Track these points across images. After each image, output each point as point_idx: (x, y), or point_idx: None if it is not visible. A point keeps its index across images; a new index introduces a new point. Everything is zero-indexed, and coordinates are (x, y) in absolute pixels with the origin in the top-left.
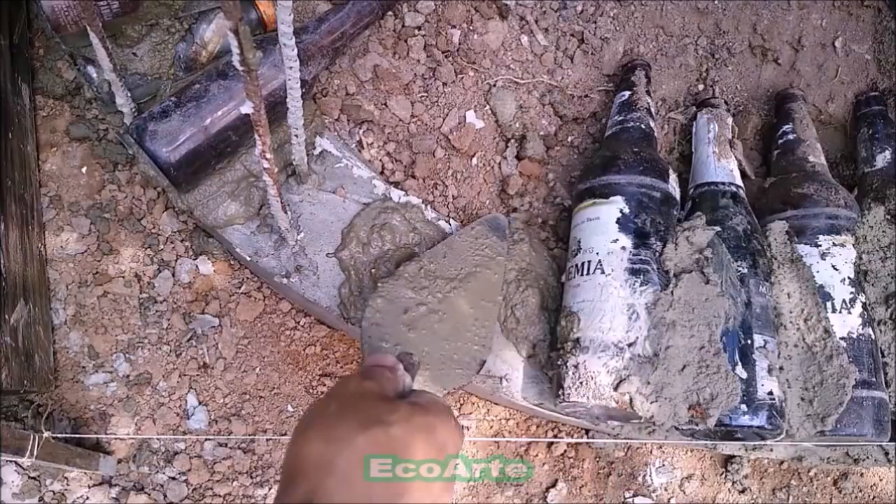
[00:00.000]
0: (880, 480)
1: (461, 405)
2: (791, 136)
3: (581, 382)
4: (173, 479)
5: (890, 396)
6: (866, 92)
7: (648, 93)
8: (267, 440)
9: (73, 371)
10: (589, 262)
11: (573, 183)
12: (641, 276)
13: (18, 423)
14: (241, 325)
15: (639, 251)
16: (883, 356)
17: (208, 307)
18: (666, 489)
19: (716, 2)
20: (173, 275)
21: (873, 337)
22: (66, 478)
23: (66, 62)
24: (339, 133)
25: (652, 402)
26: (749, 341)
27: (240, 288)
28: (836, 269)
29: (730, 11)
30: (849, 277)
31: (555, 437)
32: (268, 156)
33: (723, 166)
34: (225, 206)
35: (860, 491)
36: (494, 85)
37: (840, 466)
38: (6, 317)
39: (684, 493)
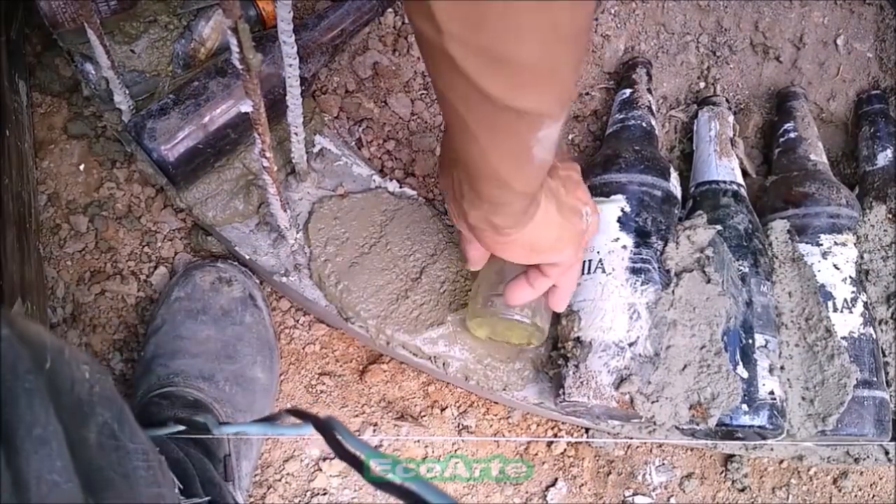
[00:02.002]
0: (880, 479)
1: (461, 406)
2: (792, 135)
3: (582, 382)
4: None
5: (891, 396)
6: (868, 90)
7: (649, 90)
8: (267, 439)
9: None
10: (590, 260)
11: None
12: (642, 275)
13: None
14: None
15: (640, 250)
16: (884, 356)
17: None
18: (666, 488)
19: None
20: (171, 273)
21: (875, 336)
22: None
23: (63, 59)
24: (338, 131)
25: (653, 402)
26: (750, 341)
27: None
28: (838, 269)
29: (731, 9)
30: (850, 276)
31: (554, 436)
32: (267, 154)
33: (724, 165)
34: (224, 203)
35: (860, 490)
36: None
37: (840, 465)
38: None
39: (684, 491)
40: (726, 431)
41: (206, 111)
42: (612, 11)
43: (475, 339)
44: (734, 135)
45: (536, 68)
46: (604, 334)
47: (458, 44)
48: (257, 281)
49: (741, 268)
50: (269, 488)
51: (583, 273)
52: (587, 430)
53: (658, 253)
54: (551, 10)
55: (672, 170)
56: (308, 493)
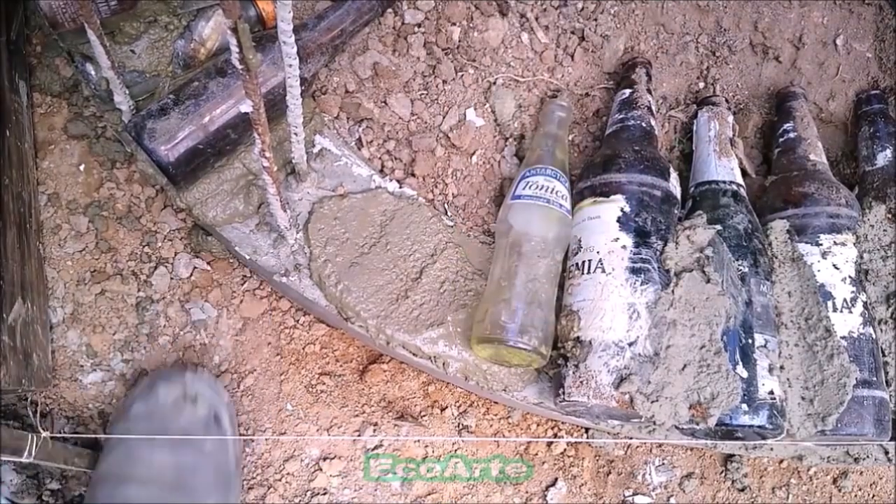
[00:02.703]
0: (880, 479)
1: (461, 405)
2: (792, 135)
3: (582, 381)
4: None
5: (891, 396)
6: (867, 90)
7: (649, 91)
8: (266, 440)
9: (70, 370)
10: (589, 260)
11: (574, 182)
12: (642, 275)
13: (17, 420)
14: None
15: (639, 250)
16: (884, 355)
17: (206, 305)
18: (665, 487)
19: None
20: (171, 273)
21: (874, 336)
22: (64, 477)
23: (63, 59)
24: (338, 131)
25: (653, 402)
26: (750, 340)
27: (242, 285)
28: (837, 268)
29: (731, 9)
30: (850, 276)
31: (554, 435)
32: (267, 154)
33: (724, 165)
34: (224, 204)
35: (859, 490)
36: (494, 83)
37: (840, 465)
38: (4, 315)
39: (684, 491)
40: (726, 431)
41: (206, 111)
42: (612, 11)
43: None
44: (734, 135)
45: None
46: (603, 334)
47: None
48: (225, 399)
49: (741, 268)
50: (269, 488)
51: (582, 273)
52: (587, 429)
53: (658, 253)
54: None
55: (672, 170)
56: (308, 493)
